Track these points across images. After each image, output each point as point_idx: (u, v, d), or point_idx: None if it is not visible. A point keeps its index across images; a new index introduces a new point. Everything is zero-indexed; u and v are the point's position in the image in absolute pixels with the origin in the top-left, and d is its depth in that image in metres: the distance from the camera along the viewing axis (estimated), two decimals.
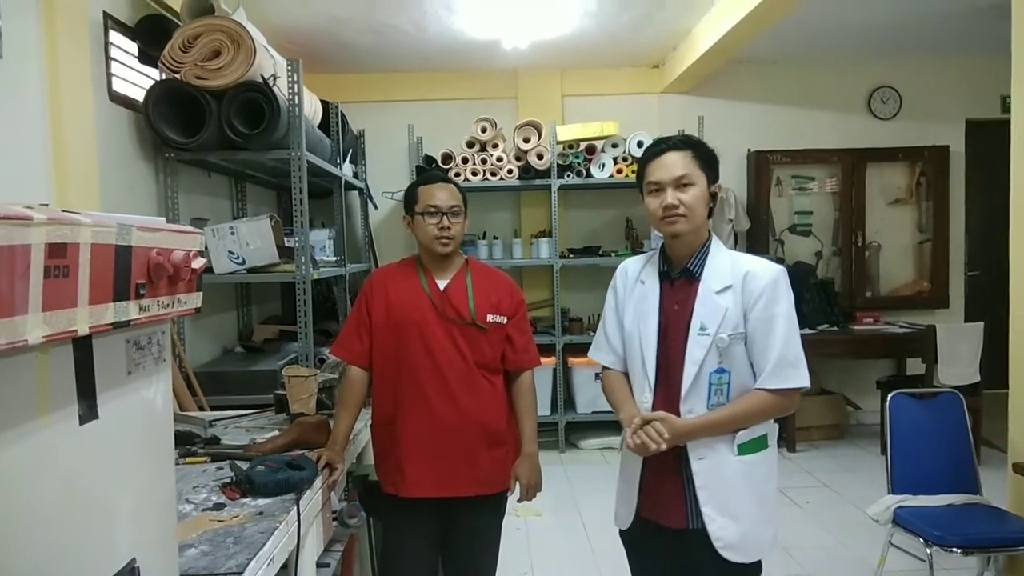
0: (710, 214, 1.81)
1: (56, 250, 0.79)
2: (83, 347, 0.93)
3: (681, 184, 1.74)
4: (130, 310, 0.96)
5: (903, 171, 5.83)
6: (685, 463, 1.75)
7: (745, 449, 1.74)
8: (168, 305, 1.07)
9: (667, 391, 1.77)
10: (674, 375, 1.76)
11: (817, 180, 5.80)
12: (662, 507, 1.81)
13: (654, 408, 1.78)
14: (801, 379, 1.70)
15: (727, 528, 1.72)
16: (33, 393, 0.84)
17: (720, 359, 1.72)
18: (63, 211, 0.85)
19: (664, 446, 1.69)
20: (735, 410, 1.71)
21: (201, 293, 1.17)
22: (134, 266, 0.96)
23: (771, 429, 1.80)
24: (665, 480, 1.80)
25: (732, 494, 1.73)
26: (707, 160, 1.77)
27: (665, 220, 1.76)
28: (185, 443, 2.25)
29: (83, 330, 0.86)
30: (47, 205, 0.88)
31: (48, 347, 0.84)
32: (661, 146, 1.79)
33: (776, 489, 1.84)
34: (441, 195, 2.13)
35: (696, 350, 1.73)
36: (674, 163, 1.75)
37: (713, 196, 1.78)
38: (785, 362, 1.69)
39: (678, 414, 1.74)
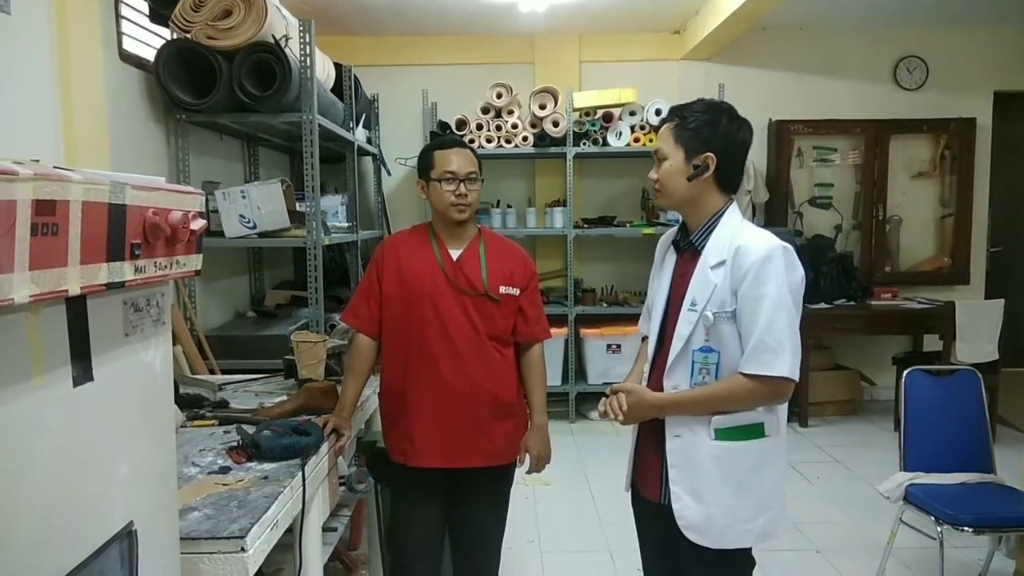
0: (731, 187, 1.74)
1: (44, 207, 0.77)
2: (77, 308, 0.91)
3: (658, 158, 1.75)
4: (125, 271, 0.94)
5: (928, 143, 5.69)
6: (664, 439, 1.73)
7: (725, 435, 1.67)
8: (166, 267, 1.05)
9: (660, 364, 1.76)
10: (666, 349, 1.74)
11: (839, 151, 5.68)
12: (644, 478, 1.84)
13: (648, 380, 1.79)
14: (779, 367, 1.58)
15: (692, 509, 1.68)
16: (24, 354, 0.82)
17: (707, 337, 1.66)
18: (54, 167, 0.83)
19: (621, 417, 1.72)
20: (709, 391, 1.66)
21: (201, 255, 1.15)
22: (129, 226, 0.94)
23: (769, 419, 1.69)
24: (648, 453, 1.81)
25: (703, 476, 1.68)
26: (694, 131, 1.68)
27: (653, 192, 1.81)
28: (194, 406, 2.26)
29: (74, 290, 0.84)
30: (38, 161, 0.85)
31: (38, 307, 0.82)
32: (663, 118, 1.79)
33: (775, 481, 1.74)
34: (458, 160, 2.08)
35: (683, 325, 1.69)
36: (659, 137, 1.77)
37: (698, 167, 1.68)
38: (764, 347, 1.58)
39: (664, 389, 1.72)
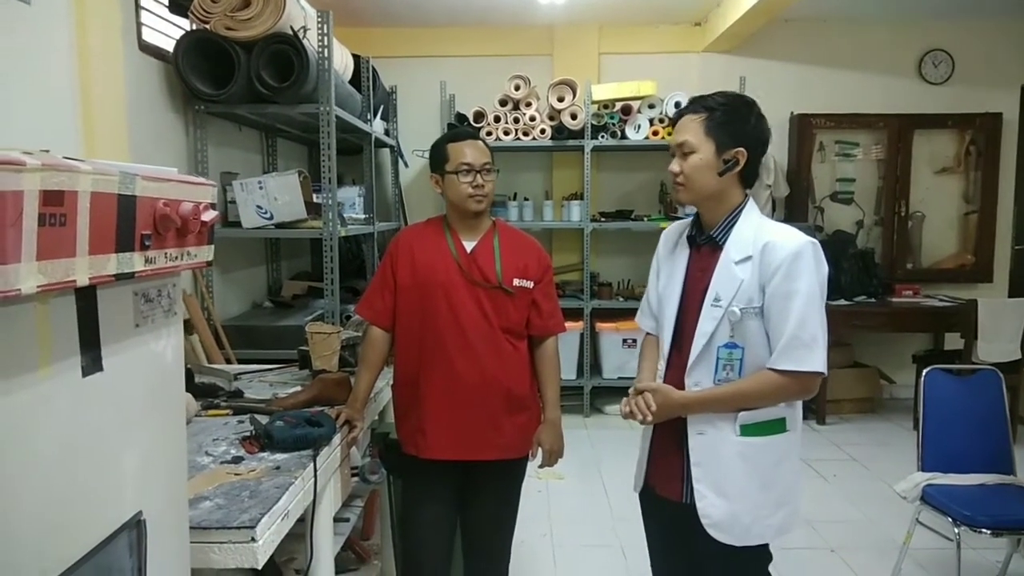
0: (750, 182, 1.72)
1: (52, 197, 0.77)
2: (86, 298, 0.91)
3: (682, 151, 1.69)
4: (134, 262, 0.94)
5: (952, 139, 5.60)
6: (685, 437, 1.71)
7: (750, 431, 1.66)
8: (176, 258, 1.05)
9: (679, 361, 1.73)
10: (686, 345, 1.71)
11: (862, 146, 5.60)
12: (662, 477, 1.81)
13: (665, 377, 1.76)
14: (813, 363, 1.58)
15: (716, 507, 1.67)
16: (32, 344, 0.83)
17: (732, 333, 1.64)
18: (64, 157, 0.83)
19: (650, 418, 1.68)
20: (738, 388, 1.64)
21: (212, 246, 1.15)
22: (138, 217, 0.94)
23: (790, 413, 1.70)
24: (667, 451, 1.78)
25: (728, 474, 1.66)
26: (725, 124, 1.65)
27: (673, 186, 1.75)
28: (208, 395, 2.27)
29: (83, 281, 0.84)
30: (47, 151, 0.86)
31: (47, 297, 0.83)
32: (683, 108, 1.74)
33: (793, 476, 1.74)
34: (472, 152, 2.08)
35: (707, 322, 1.66)
36: (682, 128, 1.70)
37: (729, 162, 1.66)
38: (798, 343, 1.58)
39: (684, 386, 1.69)
